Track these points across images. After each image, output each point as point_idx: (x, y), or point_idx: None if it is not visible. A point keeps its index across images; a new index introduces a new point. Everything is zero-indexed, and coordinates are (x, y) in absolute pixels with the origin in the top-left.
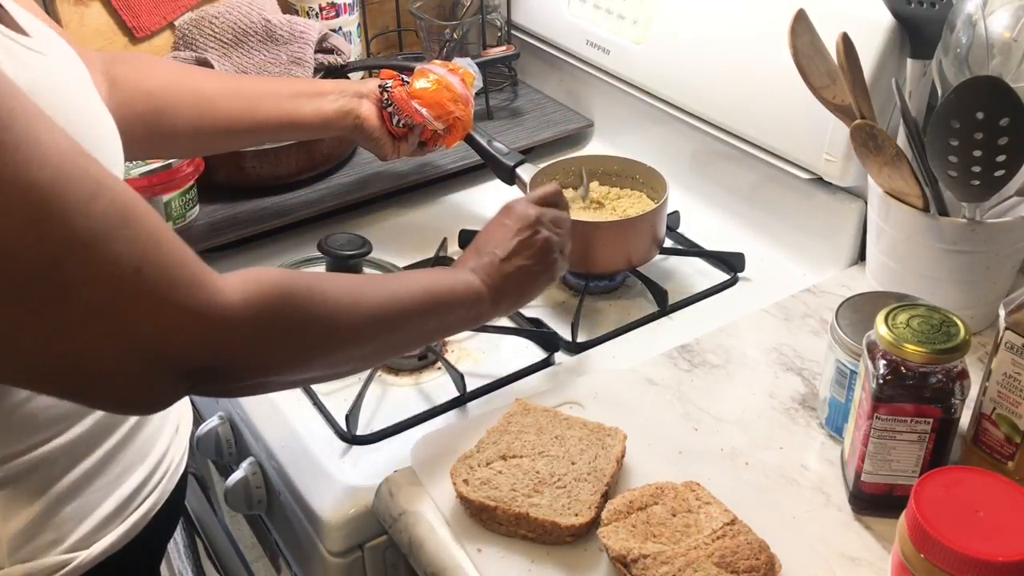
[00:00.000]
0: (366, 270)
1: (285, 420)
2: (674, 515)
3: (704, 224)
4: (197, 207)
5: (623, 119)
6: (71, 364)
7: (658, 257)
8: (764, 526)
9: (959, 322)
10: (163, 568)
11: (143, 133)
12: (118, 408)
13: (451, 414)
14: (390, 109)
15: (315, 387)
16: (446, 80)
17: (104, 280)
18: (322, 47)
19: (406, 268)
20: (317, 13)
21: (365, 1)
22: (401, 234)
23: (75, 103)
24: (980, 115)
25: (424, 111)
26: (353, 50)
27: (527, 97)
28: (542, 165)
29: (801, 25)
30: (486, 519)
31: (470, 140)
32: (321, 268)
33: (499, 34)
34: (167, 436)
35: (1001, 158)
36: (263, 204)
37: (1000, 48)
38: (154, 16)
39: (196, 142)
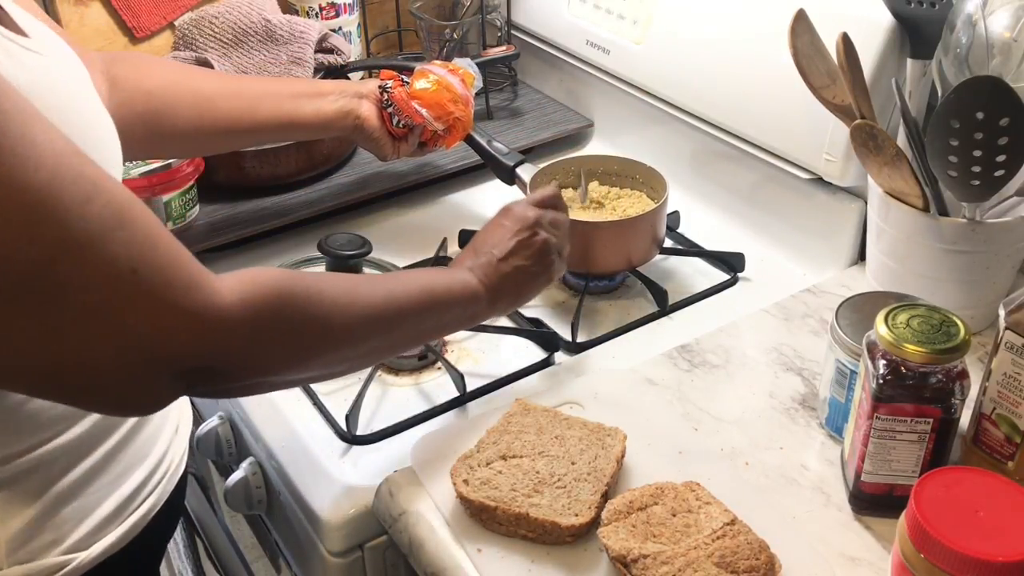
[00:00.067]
0: (366, 270)
1: (285, 420)
2: (674, 515)
3: (704, 224)
4: (197, 207)
5: (623, 119)
6: (68, 365)
7: (658, 257)
8: (764, 526)
9: (959, 322)
10: (163, 568)
11: (143, 133)
12: (114, 410)
13: (451, 414)
14: (390, 109)
15: (315, 387)
16: (446, 80)
17: (100, 281)
18: (322, 47)
19: (405, 268)
20: (317, 13)
21: (365, 1)
22: (401, 234)
23: (73, 104)
24: (980, 115)
25: (424, 111)
26: (353, 50)
27: (527, 97)
28: (542, 165)
29: (801, 25)
30: (486, 519)
31: (470, 140)
32: (321, 268)
33: (499, 34)
34: (167, 437)
35: (1001, 158)
36: (263, 204)
37: (1000, 48)
38: (154, 16)
39: (196, 142)
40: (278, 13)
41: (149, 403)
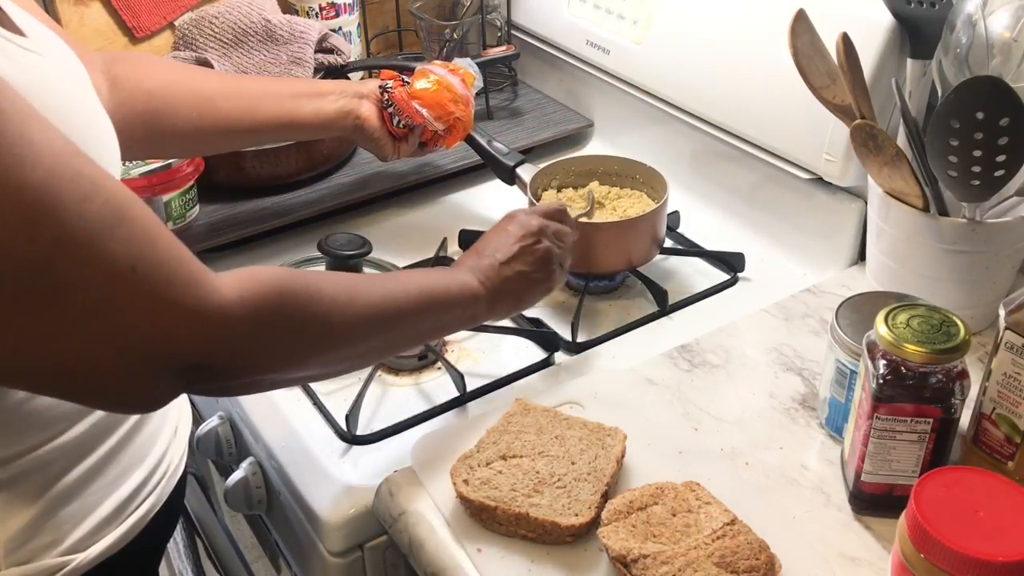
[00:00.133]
0: (366, 270)
1: (285, 420)
2: (674, 515)
3: (704, 224)
4: (197, 207)
5: (623, 119)
6: (68, 364)
7: (658, 257)
8: (764, 526)
9: (959, 322)
10: (163, 568)
11: (143, 133)
12: (115, 407)
13: (451, 414)
14: (390, 110)
15: (315, 387)
16: (446, 80)
17: (99, 279)
18: (322, 47)
19: (405, 268)
20: (317, 13)
21: (365, 1)
22: (401, 234)
23: (72, 103)
24: (980, 115)
25: (424, 112)
26: (353, 50)
27: (527, 97)
28: (542, 165)
29: (801, 25)
30: (486, 519)
31: (470, 140)
32: (321, 268)
33: (499, 34)
34: (166, 437)
35: (1001, 158)
36: (263, 204)
37: (1000, 48)
38: (154, 16)
39: (196, 142)
40: (278, 13)
41: (149, 400)
